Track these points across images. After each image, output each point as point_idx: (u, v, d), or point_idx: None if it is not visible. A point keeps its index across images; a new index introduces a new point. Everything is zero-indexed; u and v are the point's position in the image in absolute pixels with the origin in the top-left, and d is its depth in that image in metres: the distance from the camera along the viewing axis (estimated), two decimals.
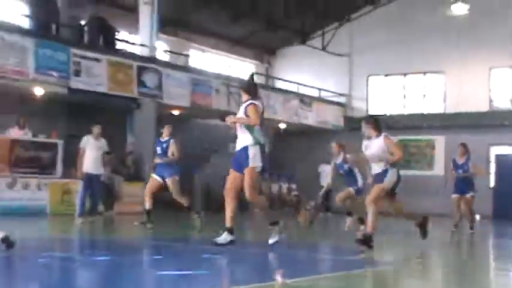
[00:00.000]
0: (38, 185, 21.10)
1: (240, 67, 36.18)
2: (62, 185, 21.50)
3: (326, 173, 28.75)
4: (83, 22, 25.91)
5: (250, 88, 12.68)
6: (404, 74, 34.95)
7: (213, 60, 34.49)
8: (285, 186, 32.98)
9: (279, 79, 35.66)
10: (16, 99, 22.39)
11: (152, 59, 26.08)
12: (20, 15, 25.65)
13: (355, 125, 32.89)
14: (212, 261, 10.77)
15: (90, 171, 18.19)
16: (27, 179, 20.84)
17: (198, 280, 8.53)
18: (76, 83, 22.62)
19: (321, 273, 9.92)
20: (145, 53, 26.14)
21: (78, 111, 24.86)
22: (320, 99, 34.36)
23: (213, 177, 29.88)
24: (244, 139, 12.15)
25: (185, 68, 28.67)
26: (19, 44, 20.90)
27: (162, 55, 29.34)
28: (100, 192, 19.36)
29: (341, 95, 35.67)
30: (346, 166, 18.27)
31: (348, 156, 17.03)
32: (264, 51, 37.68)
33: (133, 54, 26.36)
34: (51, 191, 21.43)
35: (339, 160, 18.48)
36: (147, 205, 16.94)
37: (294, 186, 33.18)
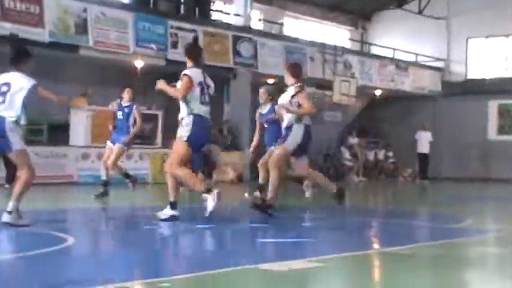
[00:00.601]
0: (140, 155, 21.87)
1: (335, 34, 36.13)
2: (162, 155, 21.98)
3: (423, 140, 29.01)
4: None
5: (191, 52, 11.90)
6: (507, 35, 33.68)
7: (307, 28, 34.53)
8: (381, 153, 32.95)
9: (374, 45, 35.51)
10: (117, 72, 23.10)
11: (247, 29, 26.46)
12: None
13: (453, 90, 33.08)
14: (314, 229, 10.92)
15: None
16: (130, 149, 21.59)
17: (305, 247, 8.69)
18: (173, 55, 23.18)
19: (420, 241, 9.75)
20: (240, 22, 26.55)
21: (176, 82, 25.55)
22: (416, 64, 34.09)
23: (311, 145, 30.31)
24: (181, 110, 11.31)
25: (279, 37, 28.97)
26: (120, 19, 21.65)
27: (257, 24, 29.71)
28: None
29: (438, 59, 35.03)
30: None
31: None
32: (359, 16, 37.35)
33: (229, 24, 26.80)
34: (152, 161, 22.19)
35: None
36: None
37: (390, 153, 33.01)
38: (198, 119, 11.03)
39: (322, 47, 29.42)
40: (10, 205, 9.50)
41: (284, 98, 12.24)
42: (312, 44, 29.34)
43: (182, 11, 26.00)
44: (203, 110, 11.21)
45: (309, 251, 8.23)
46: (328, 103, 29.81)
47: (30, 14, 20.02)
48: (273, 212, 11.60)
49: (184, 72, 11.21)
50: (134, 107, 15.69)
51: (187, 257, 8.06)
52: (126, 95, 15.95)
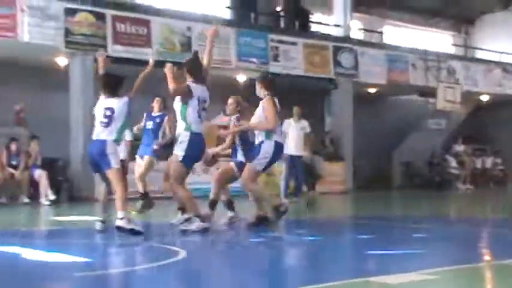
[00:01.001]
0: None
1: (437, 40, 35.80)
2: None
3: None
4: (278, 8, 26.76)
5: (191, 68, 11.60)
6: None
7: (408, 35, 34.37)
8: (489, 160, 32.24)
9: (479, 49, 34.95)
10: (220, 87, 23.44)
11: (347, 39, 26.53)
12: (223, 8, 27.01)
13: None
14: (423, 240, 10.60)
15: (292, 153, 18.50)
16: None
17: (416, 259, 8.47)
18: (275, 68, 23.40)
19: None
20: (340, 33, 26.64)
21: (278, 94, 25.80)
22: None
23: (412, 154, 30.15)
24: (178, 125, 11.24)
25: (380, 45, 28.90)
26: (222, 35, 22.10)
27: (357, 34, 29.71)
28: (303, 173, 19.93)
29: None
30: None
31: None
32: (462, 21, 36.92)
33: (328, 35, 26.84)
34: None
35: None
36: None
37: (499, 160, 32.29)
38: (194, 137, 11.02)
39: (424, 53, 29.19)
40: (119, 213, 9.98)
41: (258, 113, 11.90)
42: (414, 51, 29.15)
43: (282, 25, 26.29)
44: (200, 126, 11.23)
45: (420, 263, 8.02)
46: (432, 110, 29.61)
47: (139, 35, 20.75)
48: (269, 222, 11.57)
49: (189, 84, 11.23)
50: (166, 117, 14.83)
51: (304, 268, 8.10)
52: (156, 104, 15.07)
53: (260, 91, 12.06)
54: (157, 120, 14.82)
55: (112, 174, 10.18)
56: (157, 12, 21.98)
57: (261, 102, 11.86)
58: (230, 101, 13.74)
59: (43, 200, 18.33)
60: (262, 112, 11.66)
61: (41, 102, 20.79)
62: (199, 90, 11.36)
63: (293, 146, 18.39)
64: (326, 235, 11.47)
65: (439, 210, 18.30)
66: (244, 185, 11.70)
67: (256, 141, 11.69)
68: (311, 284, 6.65)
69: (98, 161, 10.23)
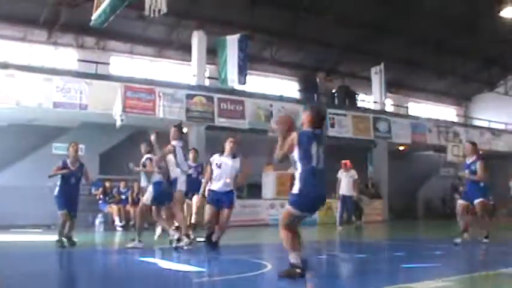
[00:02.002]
0: (281, 204, 21.90)
1: (444, 112, 35.62)
2: (326, 204, 22.07)
3: None
4: (333, 90, 26.82)
5: (178, 129, 11.19)
6: None
7: (424, 109, 34.24)
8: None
9: (475, 118, 34.47)
10: None
11: (383, 111, 26.44)
12: (294, 90, 27.25)
13: None
14: (441, 256, 10.33)
15: (344, 193, 18.70)
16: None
17: (436, 270, 8.23)
18: (332, 132, 23.32)
19: None
20: (378, 107, 26.53)
21: (334, 152, 25.73)
22: (507, 131, 32.65)
23: (430, 193, 29.88)
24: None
25: (406, 116, 28.74)
26: (293, 109, 22.17)
27: (389, 108, 29.61)
28: (352, 208, 19.77)
29: None
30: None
31: None
32: (462, 99, 36.70)
33: (369, 109, 26.76)
34: None
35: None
36: None
37: (490, 197, 30.98)
38: (158, 185, 10.67)
39: (437, 122, 28.97)
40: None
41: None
42: (430, 120, 28.85)
43: (336, 102, 26.28)
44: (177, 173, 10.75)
45: (440, 273, 7.83)
46: (443, 162, 29.27)
47: (236, 111, 21.01)
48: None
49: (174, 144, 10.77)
50: (203, 165, 13.24)
51: (356, 277, 7.95)
52: (191, 155, 13.51)
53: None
54: (199, 169, 13.37)
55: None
56: (249, 95, 22.21)
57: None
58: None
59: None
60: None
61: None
62: (179, 145, 10.92)
63: (345, 188, 18.37)
64: (370, 253, 11.32)
65: (451, 234, 17.92)
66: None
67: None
68: None
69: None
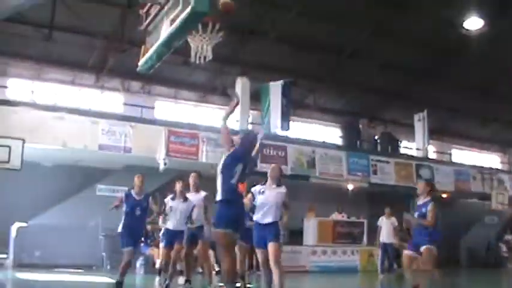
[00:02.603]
0: (352, 251, 21.58)
1: (489, 158, 35.14)
2: (368, 251, 21.77)
3: None
4: (376, 137, 26.71)
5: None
6: None
7: (468, 155, 33.83)
8: None
9: None
10: (335, 193, 23.31)
11: (425, 159, 26.10)
12: (337, 137, 27.25)
13: None
14: None
15: (385, 241, 18.55)
16: (345, 247, 21.40)
17: None
18: (374, 179, 23.25)
19: None
20: (420, 154, 26.19)
21: (375, 198, 25.48)
22: None
23: (475, 242, 29.29)
24: None
25: (449, 163, 28.36)
26: (336, 156, 22.15)
27: (432, 154, 29.29)
28: (394, 255, 19.53)
29: None
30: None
31: None
32: (506, 145, 36.21)
33: (412, 156, 26.45)
34: (361, 255, 21.70)
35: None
36: None
37: None
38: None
39: (481, 169, 28.48)
40: None
41: None
42: (473, 167, 28.44)
43: (379, 148, 26.13)
44: None
45: None
46: (488, 210, 28.76)
47: (279, 156, 21.00)
48: None
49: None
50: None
51: None
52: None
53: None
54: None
55: None
56: (291, 141, 22.21)
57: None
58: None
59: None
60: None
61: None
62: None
63: (385, 235, 18.23)
64: None
65: (495, 284, 17.55)
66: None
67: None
68: None
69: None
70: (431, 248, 9.93)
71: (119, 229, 10.88)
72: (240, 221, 7.67)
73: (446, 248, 26.97)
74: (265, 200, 9.06)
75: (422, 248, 9.87)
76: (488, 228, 29.94)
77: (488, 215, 29.82)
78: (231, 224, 7.40)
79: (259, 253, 9.03)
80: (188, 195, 11.26)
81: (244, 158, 7.76)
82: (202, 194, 11.30)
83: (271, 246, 8.66)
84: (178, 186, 11.28)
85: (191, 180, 11.44)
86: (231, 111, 7.85)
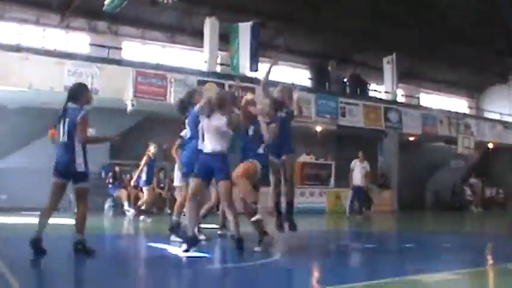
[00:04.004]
0: (320, 193, 22.04)
1: (456, 103, 35.49)
2: (335, 193, 22.17)
3: None
4: (345, 79, 26.75)
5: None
6: None
7: (436, 100, 34.10)
8: (494, 190, 31.80)
9: (486, 110, 34.32)
10: (303, 135, 23.45)
11: (394, 102, 26.21)
12: (306, 78, 27.18)
13: None
14: (449, 249, 10.19)
15: (358, 184, 18.91)
16: (312, 189, 21.82)
17: (444, 263, 8.15)
18: (343, 121, 23.33)
19: None
20: (389, 97, 26.39)
21: (344, 141, 25.75)
22: None
23: (440, 185, 29.86)
24: None
25: (417, 107, 28.61)
26: (305, 98, 22.10)
27: (400, 98, 29.48)
28: (364, 198, 19.89)
29: None
30: None
31: None
32: (474, 90, 36.65)
33: (380, 99, 26.67)
34: (328, 197, 22.23)
35: None
36: None
37: (500, 190, 31.70)
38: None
39: (448, 113, 28.83)
40: None
41: None
42: (441, 111, 28.73)
43: (348, 91, 26.19)
44: None
45: (448, 266, 7.87)
46: (454, 154, 29.23)
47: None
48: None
49: None
50: None
51: (365, 267, 7.97)
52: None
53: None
54: None
55: None
56: (258, 82, 22.07)
57: None
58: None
59: None
60: None
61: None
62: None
63: (358, 178, 18.53)
64: (380, 243, 11.29)
65: (459, 227, 17.95)
66: None
67: None
68: (369, 280, 6.58)
69: None
70: None
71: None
72: None
73: (412, 191, 27.71)
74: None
75: None
76: (454, 172, 30.50)
77: (454, 158, 30.31)
78: None
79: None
80: None
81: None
82: None
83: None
84: None
85: None
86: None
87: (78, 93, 7.91)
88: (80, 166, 7.63)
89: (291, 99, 9.62)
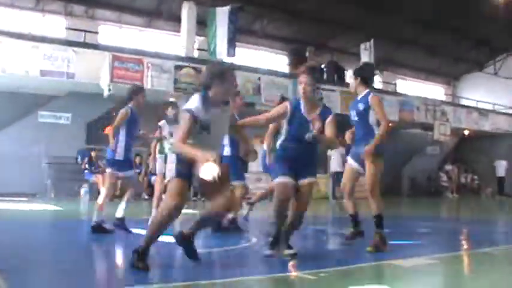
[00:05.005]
0: None
1: (433, 90, 35.81)
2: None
3: (500, 167, 28.45)
4: (322, 65, 26.78)
5: None
6: None
7: (413, 86, 34.35)
8: (469, 176, 32.25)
9: (463, 98, 34.71)
10: None
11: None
12: (284, 64, 27.16)
13: None
14: (426, 234, 10.29)
15: (337, 169, 18.95)
16: None
17: (421, 248, 8.26)
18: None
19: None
20: None
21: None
22: (494, 111, 32.92)
23: (416, 171, 30.12)
24: None
25: (394, 93, 28.80)
26: (282, 84, 22.18)
27: (378, 85, 29.65)
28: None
29: (511, 107, 33.89)
30: None
31: None
32: (451, 78, 37.03)
33: None
34: None
35: None
36: None
37: (475, 176, 32.27)
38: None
39: (425, 100, 29.11)
40: None
41: None
42: (418, 98, 29.01)
43: (325, 77, 26.22)
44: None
45: (425, 251, 7.92)
46: (430, 140, 29.51)
47: None
48: None
49: None
50: None
51: (340, 253, 7.97)
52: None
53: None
54: None
55: None
56: (238, 67, 22.01)
57: None
58: None
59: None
60: None
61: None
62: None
63: (336, 164, 18.61)
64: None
65: (435, 212, 18.13)
66: None
67: None
68: (345, 265, 6.58)
69: None
70: None
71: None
72: None
73: (388, 177, 27.87)
74: None
75: None
76: (430, 158, 30.81)
77: (431, 145, 30.61)
78: None
79: None
80: None
81: None
82: None
83: None
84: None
85: None
86: None
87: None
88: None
89: None
